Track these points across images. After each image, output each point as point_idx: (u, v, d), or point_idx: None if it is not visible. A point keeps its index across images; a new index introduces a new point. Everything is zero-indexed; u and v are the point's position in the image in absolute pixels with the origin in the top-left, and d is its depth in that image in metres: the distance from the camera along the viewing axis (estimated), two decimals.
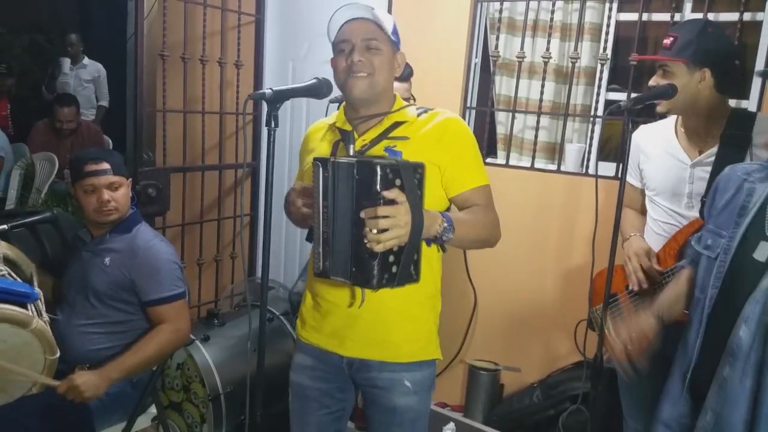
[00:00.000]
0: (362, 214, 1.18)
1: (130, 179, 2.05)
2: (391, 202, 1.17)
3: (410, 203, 1.19)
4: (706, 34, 1.65)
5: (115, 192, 1.95)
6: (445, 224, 1.28)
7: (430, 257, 1.46)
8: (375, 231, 1.16)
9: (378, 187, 1.17)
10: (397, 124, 1.45)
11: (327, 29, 1.45)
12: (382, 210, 1.16)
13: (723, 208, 1.35)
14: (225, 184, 3.41)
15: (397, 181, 1.18)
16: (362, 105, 1.46)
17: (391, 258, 1.20)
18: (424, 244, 1.29)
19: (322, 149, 1.52)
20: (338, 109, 1.57)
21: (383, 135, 1.44)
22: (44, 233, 2.24)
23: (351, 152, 1.39)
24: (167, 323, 1.93)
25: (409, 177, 1.20)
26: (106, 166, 1.94)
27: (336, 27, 1.43)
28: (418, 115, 1.47)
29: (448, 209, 1.48)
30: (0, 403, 1.61)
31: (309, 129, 1.63)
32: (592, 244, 1.73)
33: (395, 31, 1.47)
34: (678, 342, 1.45)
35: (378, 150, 1.43)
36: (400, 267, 1.21)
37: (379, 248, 1.16)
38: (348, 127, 1.47)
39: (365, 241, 1.17)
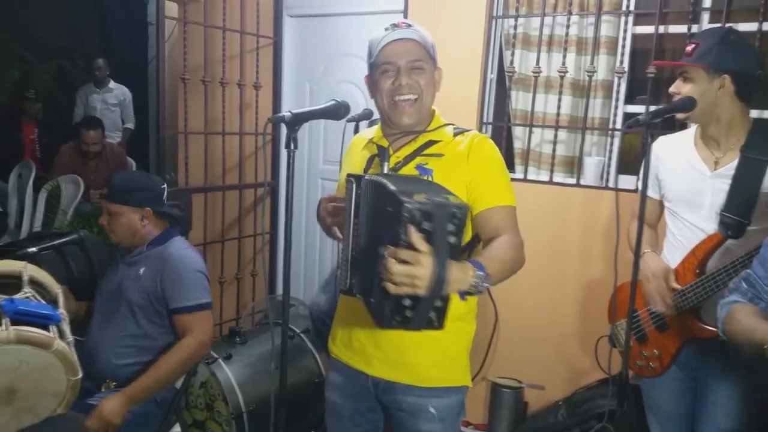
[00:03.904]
0: (382, 251, 1.10)
1: (147, 208, 1.99)
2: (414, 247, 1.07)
3: (435, 254, 1.07)
4: (728, 42, 1.63)
5: (111, 218, 1.99)
6: (480, 274, 1.16)
7: None
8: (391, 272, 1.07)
9: (401, 229, 1.07)
10: (431, 143, 1.45)
11: (368, 49, 1.43)
12: (401, 254, 1.07)
13: None
14: (245, 204, 3.45)
15: (426, 225, 1.06)
16: (409, 128, 1.46)
17: (408, 302, 1.10)
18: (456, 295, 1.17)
19: (359, 163, 1.53)
20: (355, 128, 1.58)
21: (417, 152, 1.44)
22: (70, 255, 2.28)
23: (385, 170, 1.36)
24: (189, 336, 1.94)
25: (442, 222, 1.07)
26: (105, 191, 2.01)
27: (377, 47, 1.40)
28: (455, 135, 1.47)
29: (473, 239, 1.44)
30: (27, 424, 1.64)
31: (353, 140, 1.64)
32: (615, 258, 1.71)
33: (433, 46, 1.45)
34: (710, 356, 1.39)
35: (410, 168, 1.43)
36: (416, 313, 1.10)
37: (392, 290, 1.08)
38: (385, 143, 1.47)
39: (382, 276, 1.09)
